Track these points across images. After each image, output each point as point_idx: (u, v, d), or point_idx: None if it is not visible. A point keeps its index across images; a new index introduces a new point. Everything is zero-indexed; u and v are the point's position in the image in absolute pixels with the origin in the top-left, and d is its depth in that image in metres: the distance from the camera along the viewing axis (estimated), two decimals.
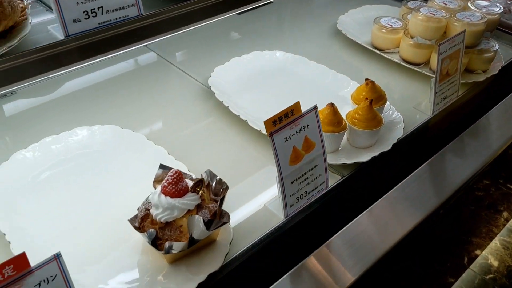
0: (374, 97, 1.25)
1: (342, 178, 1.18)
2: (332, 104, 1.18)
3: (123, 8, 0.85)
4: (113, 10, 0.84)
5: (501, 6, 1.61)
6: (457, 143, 1.40)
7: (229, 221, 0.94)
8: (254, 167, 1.22)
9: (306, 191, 1.09)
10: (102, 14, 0.83)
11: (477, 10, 1.57)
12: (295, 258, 1.02)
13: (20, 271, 0.69)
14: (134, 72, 1.56)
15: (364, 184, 1.21)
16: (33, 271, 0.70)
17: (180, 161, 1.14)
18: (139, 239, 0.99)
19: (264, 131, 1.24)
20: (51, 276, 0.72)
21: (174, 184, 0.92)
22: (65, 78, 1.47)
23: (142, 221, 0.93)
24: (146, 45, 1.63)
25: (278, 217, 1.07)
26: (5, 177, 1.07)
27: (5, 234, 0.94)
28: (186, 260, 0.95)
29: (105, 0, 0.82)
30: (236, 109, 1.31)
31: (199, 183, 0.96)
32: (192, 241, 0.91)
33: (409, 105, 1.44)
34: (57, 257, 0.72)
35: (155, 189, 0.98)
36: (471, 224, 2.41)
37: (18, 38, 0.74)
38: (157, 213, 0.91)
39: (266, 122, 0.97)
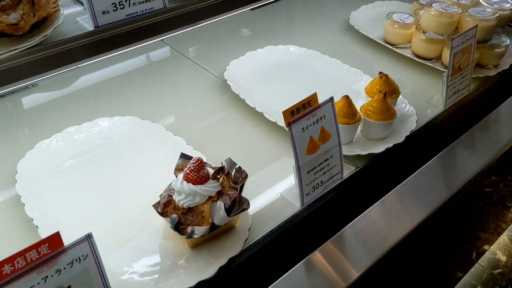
0: (388, 90, 1.28)
1: (356, 169, 1.21)
2: (347, 97, 1.20)
3: (149, 0, 0.89)
4: (139, 3, 0.88)
5: None
6: (467, 137, 1.43)
7: (248, 207, 0.97)
8: (270, 158, 1.25)
9: (321, 181, 1.12)
10: (129, 6, 0.86)
11: (488, 5, 1.59)
12: (309, 246, 1.06)
13: (54, 249, 0.72)
14: (151, 66, 1.59)
15: (378, 175, 1.24)
16: (66, 250, 0.73)
17: (199, 151, 1.17)
18: (161, 225, 1.03)
19: (279, 123, 1.28)
20: (83, 256, 0.75)
21: (196, 171, 0.95)
22: (84, 71, 1.50)
23: (165, 207, 0.97)
24: (162, 40, 1.66)
25: (295, 205, 1.10)
26: (30, 165, 1.11)
27: (32, 219, 0.98)
28: (206, 245, 0.98)
29: None
30: (251, 102, 1.34)
31: (219, 170, 0.99)
32: (213, 226, 0.94)
33: (421, 99, 1.47)
34: (89, 237, 0.75)
35: (176, 177, 1.02)
36: (480, 220, 2.43)
37: (52, 28, 0.77)
38: (180, 199, 0.94)
39: (284, 112, 1.00)
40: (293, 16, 1.97)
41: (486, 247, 2.29)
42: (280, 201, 1.13)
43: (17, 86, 1.35)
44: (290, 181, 1.16)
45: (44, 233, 0.94)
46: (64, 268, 0.73)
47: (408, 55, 1.60)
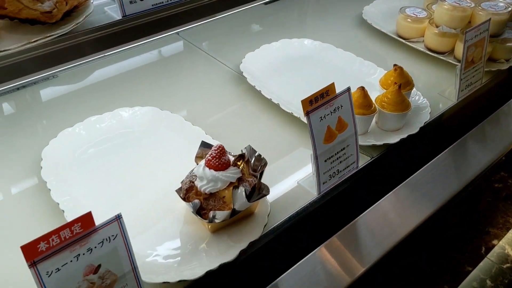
0: (402, 82, 1.30)
1: (371, 159, 1.23)
2: (362, 88, 1.23)
3: None
4: None
5: None
6: (478, 131, 1.45)
7: (268, 193, 1.00)
8: (286, 148, 1.28)
9: (338, 170, 1.14)
10: None
11: (501, 0, 1.61)
12: (325, 233, 1.08)
13: (86, 229, 0.75)
14: (168, 59, 1.62)
15: (392, 166, 1.27)
16: (97, 230, 0.76)
17: (217, 141, 1.20)
18: (182, 211, 1.05)
19: (295, 114, 1.30)
20: (113, 236, 0.78)
21: (217, 158, 0.98)
22: (102, 64, 1.53)
23: (187, 193, 0.99)
24: (177, 33, 1.69)
25: (312, 193, 1.13)
26: (54, 153, 1.14)
27: (58, 204, 1.01)
28: (227, 230, 1.00)
29: None
30: (267, 93, 1.37)
31: (240, 157, 1.01)
32: (233, 211, 0.96)
33: (434, 92, 1.49)
34: (118, 218, 0.78)
35: (197, 164, 1.04)
36: (489, 215, 2.44)
37: (84, 16, 0.80)
38: (202, 185, 0.97)
39: (303, 101, 1.02)
40: (306, 11, 2.00)
41: (495, 242, 2.31)
42: (297, 189, 1.15)
43: (39, 76, 1.39)
44: (306, 170, 1.19)
45: (70, 217, 0.97)
46: (95, 247, 0.76)
47: (421, 49, 1.62)
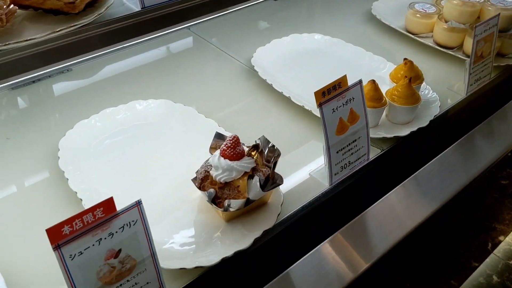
0: (412, 76, 1.31)
1: (381, 151, 1.25)
2: (373, 81, 1.24)
3: None
4: None
5: None
6: (486, 126, 1.46)
7: (282, 182, 1.02)
8: (298, 141, 1.30)
9: (349, 161, 1.16)
10: None
11: None
12: (336, 224, 1.10)
13: (108, 214, 0.77)
14: (179, 53, 1.65)
15: (401, 159, 1.28)
16: (118, 215, 0.78)
17: (230, 133, 1.22)
18: (196, 201, 1.07)
19: (307, 107, 1.32)
20: (133, 221, 0.80)
21: (232, 148, 1.00)
22: (114, 58, 1.55)
23: (202, 182, 1.01)
24: (188, 28, 1.71)
25: (323, 184, 1.14)
26: (71, 143, 1.16)
27: (76, 192, 1.03)
28: (241, 219, 1.02)
29: None
30: (279, 87, 1.39)
31: (254, 148, 1.03)
32: (248, 200, 0.98)
33: (443, 87, 1.50)
34: (138, 203, 0.80)
35: (211, 154, 1.06)
36: (495, 211, 2.46)
37: (105, 8, 0.82)
38: (217, 174, 0.99)
39: (316, 93, 1.04)
40: (315, 7, 2.01)
41: (501, 238, 2.32)
42: (309, 181, 1.17)
43: (53, 69, 1.41)
44: (318, 162, 1.20)
45: (88, 206, 0.98)
46: (116, 232, 0.78)
47: (430, 44, 1.64)
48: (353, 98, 1.11)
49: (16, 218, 1.05)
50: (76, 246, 0.74)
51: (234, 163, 0.99)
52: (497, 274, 2.16)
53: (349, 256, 1.08)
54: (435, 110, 1.33)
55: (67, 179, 1.06)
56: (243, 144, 1.10)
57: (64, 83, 1.44)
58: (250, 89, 1.47)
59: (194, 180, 1.02)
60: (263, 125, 1.34)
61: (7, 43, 0.72)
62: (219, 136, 1.09)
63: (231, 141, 1.00)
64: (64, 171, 1.08)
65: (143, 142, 1.21)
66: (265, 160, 1.06)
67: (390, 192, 1.21)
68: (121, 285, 0.81)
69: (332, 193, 1.13)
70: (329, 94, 1.06)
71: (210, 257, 0.94)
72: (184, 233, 1.00)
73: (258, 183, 0.97)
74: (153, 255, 0.84)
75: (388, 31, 1.75)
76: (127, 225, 0.80)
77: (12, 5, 0.77)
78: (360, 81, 1.12)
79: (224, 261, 0.94)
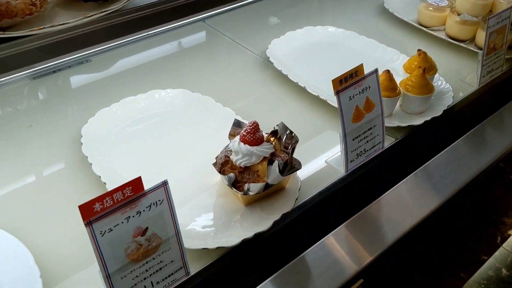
0: (426, 66, 1.33)
1: (396, 140, 1.27)
2: (388, 71, 1.27)
3: None
4: None
5: None
6: (496, 118, 1.48)
7: (300, 167, 1.04)
8: (313, 130, 1.32)
9: (365, 149, 1.18)
10: None
11: None
12: (352, 209, 1.13)
13: (136, 192, 0.80)
14: (196, 45, 1.68)
15: (415, 147, 1.30)
16: (146, 194, 0.81)
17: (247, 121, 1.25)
18: (215, 186, 1.10)
19: (322, 96, 1.35)
20: (159, 201, 0.83)
21: (252, 133, 1.02)
22: (131, 50, 1.59)
23: (222, 166, 1.04)
24: (203, 21, 1.74)
25: (339, 171, 1.17)
26: (93, 130, 1.19)
27: (100, 176, 1.06)
28: (259, 203, 1.05)
29: None
30: (294, 77, 1.41)
31: (273, 134, 1.06)
32: (267, 185, 1.01)
33: (455, 79, 1.52)
34: (165, 184, 0.83)
35: (230, 141, 1.09)
36: (504, 206, 2.47)
37: None
38: (237, 159, 1.02)
39: (333, 81, 1.07)
40: (327, 0, 2.04)
41: (510, 232, 2.33)
42: (326, 168, 1.20)
43: (74, 58, 1.45)
44: (333, 151, 1.23)
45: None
46: (144, 210, 0.81)
47: (442, 37, 1.66)
48: (369, 87, 1.14)
49: (43, 200, 1.09)
50: (107, 223, 0.77)
51: (254, 148, 1.02)
52: (507, 268, 2.17)
53: (363, 242, 1.10)
54: (448, 101, 1.35)
55: (91, 164, 1.09)
56: (262, 131, 1.13)
57: (84, 74, 1.47)
58: (265, 80, 1.50)
59: (214, 165, 1.05)
60: (278, 114, 1.36)
61: (42, 27, 0.75)
62: (237, 124, 1.12)
63: (251, 127, 1.03)
64: (88, 156, 1.11)
65: (163, 129, 1.24)
66: (283, 147, 1.09)
67: (402, 181, 1.23)
68: (147, 262, 0.84)
69: (348, 180, 1.16)
70: (346, 82, 1.09)
71: (231, 238, 0.97)
72: (205, 216, 1.03)
73: (277, 168, 0.99)
74: (178, 233, 0.87)
75: (400, 24, 1.77)
76: (154, 204, 0.82)
77: None
78: (376, 70, 1.14)
79: (244, 243, 0.97)
